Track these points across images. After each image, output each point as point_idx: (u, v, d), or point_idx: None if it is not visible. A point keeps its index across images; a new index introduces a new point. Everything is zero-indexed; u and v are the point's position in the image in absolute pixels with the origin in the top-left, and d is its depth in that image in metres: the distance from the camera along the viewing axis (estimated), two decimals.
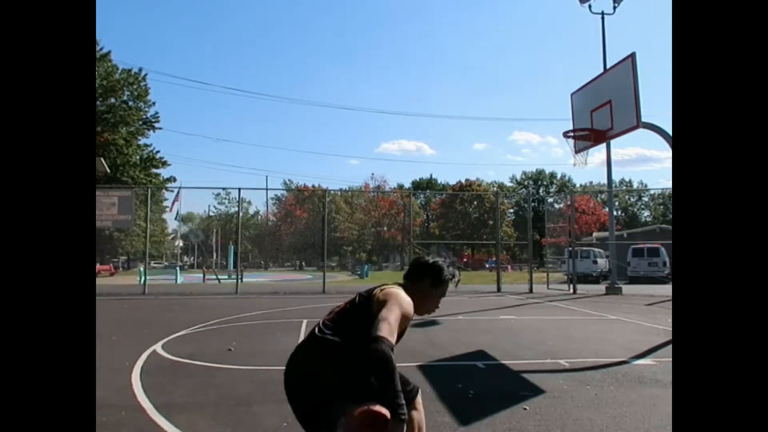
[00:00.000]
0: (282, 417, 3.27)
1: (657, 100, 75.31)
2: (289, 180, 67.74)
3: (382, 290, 2.10)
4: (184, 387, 4.08)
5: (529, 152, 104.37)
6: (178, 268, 25.52)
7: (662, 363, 4.99)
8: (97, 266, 31.58)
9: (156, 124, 32.06)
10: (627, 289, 16.14)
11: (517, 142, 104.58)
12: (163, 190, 33.45)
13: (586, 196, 43.70)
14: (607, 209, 28.16)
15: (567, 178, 68.77)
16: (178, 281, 21.96)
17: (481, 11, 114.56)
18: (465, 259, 54.32)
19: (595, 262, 23.85)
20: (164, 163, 32.28)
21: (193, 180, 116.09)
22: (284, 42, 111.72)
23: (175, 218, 33.97)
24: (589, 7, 18.00)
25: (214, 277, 25.29)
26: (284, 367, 2.10)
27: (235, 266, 22.91)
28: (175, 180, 33.25)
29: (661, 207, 66.91)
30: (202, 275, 26.89)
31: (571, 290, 15.66)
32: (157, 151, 32.28)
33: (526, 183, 67.21)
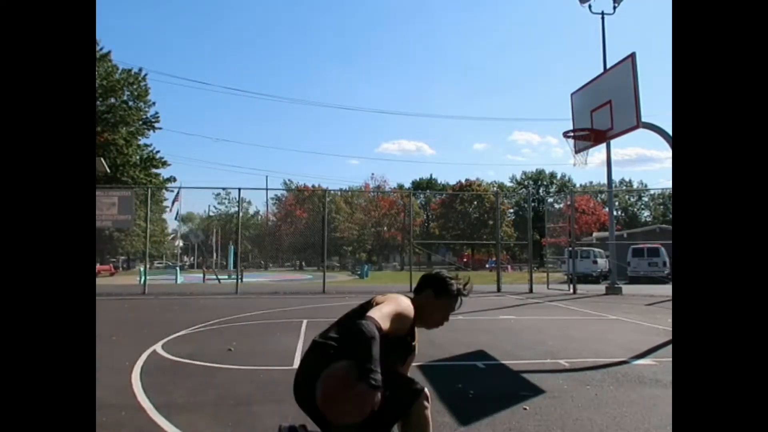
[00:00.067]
0: (282, 417, 3.27)
1: (657, 100, 75.39)
2: (289, 180, 67.85)
3: (383, 295, 2.17)
4: (184, 387, 4.08)
5: (529, 152, 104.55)
6: (178, 268, 25.52)
7: (662, 363, 4.98)
8: (97, 266, 31.58)
9: (156, 124, 32.08)
10: (627, 289, 16.14)
11: (517, 142, 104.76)
12: (163, 190, 33.45)
13: (586, 196, 43.71)
14: (607, 209, 28.15)
15: (567, 178, 68.86)
16: (178, 281, 21.96)
17: (481, 11, 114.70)
18: (465, 259, 54.32)
19: (595, 262, 23.86)
20: (164, 163, 32.29)
21: (193, 180, 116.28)
22: (284, 42, 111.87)
23: (175, 218, 33.95)
24: (589, 7, 18.01)
25: (214, 277, 25.30)
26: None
27: (235, 266, 22.92)
28: (175, 180, 33.28)
29: (661, 207, 66.93)
30: (202, 275, 26.90)
31: (571, 290, 15.66)
32: (157, 151, 32.31)
33: (526, 183, 67.24)
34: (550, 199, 47.47)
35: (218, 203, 60.89)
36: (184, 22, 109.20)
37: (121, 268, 44.56)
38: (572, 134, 9.59)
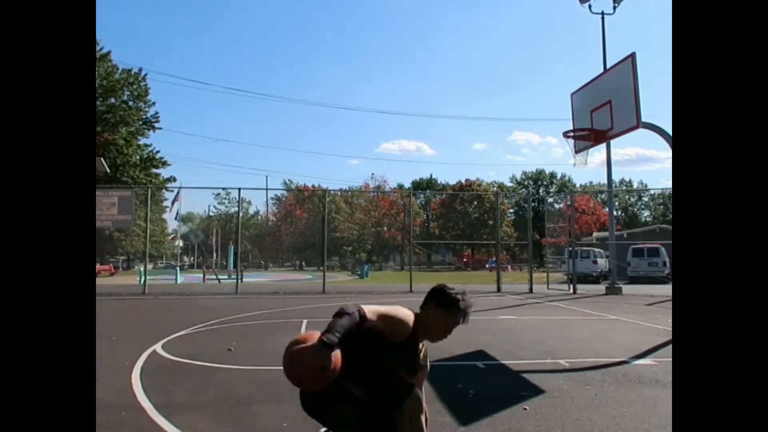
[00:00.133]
0: (282, 417, 3.27)
1: (657, 100, 75.43)
2: (289, 180, 67.82)
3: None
4: (184, 387, 4.08)
5: (529, 152, 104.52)
6: (178, 268, 25.51)
7: (662, 363, 4.99)
8: (97, 266, 31.58)
9: (156, 124, 32.07)
10: (627, 289, 16.14)
11: (517, 142, 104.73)
12: (163, 190, 33.43)
13: (586, 196, 43.70)
14: (607, 209, 28.16)
15: (567, 178, 68.81)
16: (178, 281, 21.96)
17: (481, 11, 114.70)
18: (465, 259, 54.34)
19: (595, 262, 23.86)
20: (164, 163, 32.27)
21: (193, 180, 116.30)
22: (284, 42, 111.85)
23: (175, 218, 33.94)
24: (589, 7, 18.01)
25: (214, 277, 25.29)
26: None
27: (235, 266, 22.92)
28: (175, 180, 33.25)
29: (661, 207, 66.92)
30: (202, 275, 26.90)
31: (571, 290, 15.66)
32: (157, 151, 32.29)
33: (526, 183, 67.21)
34: (550, 199, 47.50)
35: (218, 203, 60.94)
36: (184, 22, 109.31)
37: (121, 268, 44.55)
38: (572, 134, 9.58)
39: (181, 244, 51.55)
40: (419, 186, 67.01)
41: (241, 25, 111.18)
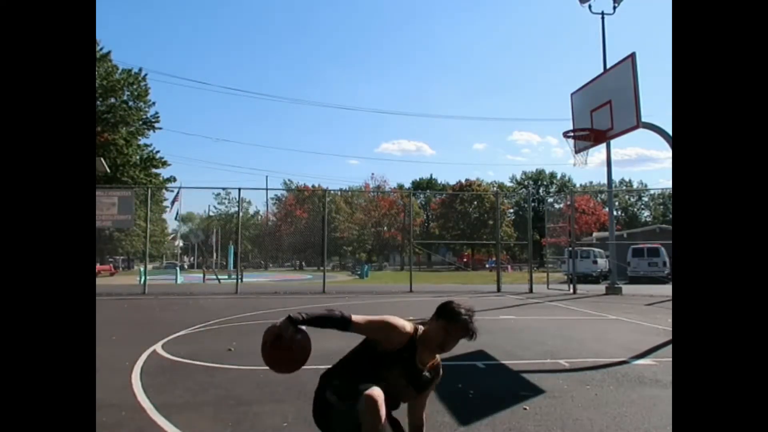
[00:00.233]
0: (282, 417, 3.27)
1: (657, 100, 75.29)
2: (289, 180, 67.86)
3: None
4: (184, 387, 4.08)
5: (529, 152, 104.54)
6: (178, 268, 25.50)
7: (662, 363, 4.98)
8: (97, 266, 31.57)
9: (156, 124, 32.03)
10: (627, 289, 16.13)
11: (517, 142, 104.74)
12: (163, 190, 33.41)
13: (586, 196, 43.71)
14: (607, 209, 28.15)
15: (567, 178, 68.83)
16: (178, 281, 21.96)
17: (481, 11, 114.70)
18: (465, 259, 54.34)
19: (595, 262, 23.86)
20: (164, 163, 32.23)
21: (193, 180, 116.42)
22: (284, 42, 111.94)
23: (175, 218, 33.96)
24: (589, 7, 18.01)
25: (214, 277, 25.29)
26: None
27: (235, 266, 22.91)
28: (175, 180, 33.20)
29: (661, 207, 66.92)
30: (202, 275, 26.89)
31: (571, 290, 15.65)
32: (157, 151, 32.24)
33: (526, 183, 67.21)
34: (550, 199, 47.47)
35: (218, 203, 61.04)
36: (184, 22, 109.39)
37: (120, 268, 44.55)
38: (572, 134, 9.58)
39: (181, 244, 51.58)
40: (419, 186, 67.03)
41: (240, 25, 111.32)
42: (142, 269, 18.13)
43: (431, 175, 71.14)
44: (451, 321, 2.25)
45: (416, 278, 17.01)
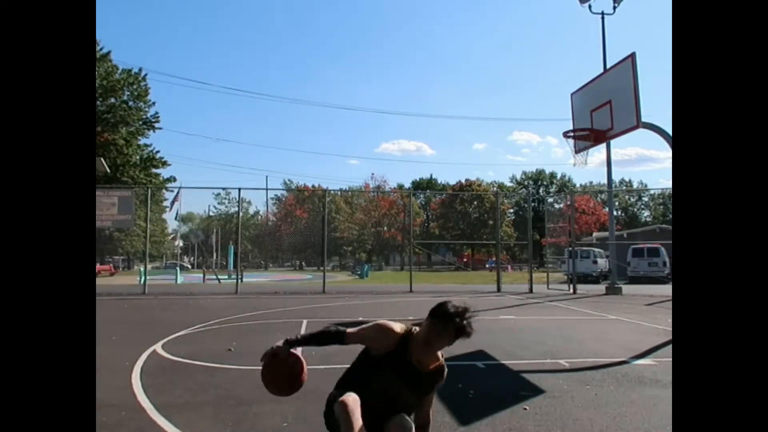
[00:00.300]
0: (282, 417, 3.27)
1: (657, 100, 75.29)
2: (289, 180, 67.85)
3: None
4: (184, 387, 4.08)
5: (529, 152, 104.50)
6: (178, 268, 25.51)
7: (662, 363, 4.99)
8: (97, 266, 31.57)
9: (156, 124, 32.04)
10: (627, 289, 16.14)
11: (517, 142, 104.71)
12: (163, 190, 33.41)
13: (586, 196, 43.71)
14: (607, 209, 28.15)
15: (567, 178, 68.84)
16: (178, 281, 21.96)
17: (481, 11, 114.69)
18: (465, 259, 54.34)
19: (595, 262, 23.86)
20: (164, 163, 32.24)
21: (193, 180, 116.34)
22: (284, 42, 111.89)
23: (175, 218, 33.98)
24: (589, 7, 18.01)
25: (214, 277, 25.29)
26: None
27: (235, 266, 22.91)
28: (175, 180, 33.21)
29: (661, 207, 66.92)
30: (202, 275, 26.89)
31: (571, 290, 15.66)
32: (157, 151, 32.24)
33: (526, 183, 67.21)
34: (550, 199, 47.49)
35: (218, 203, 61.04)
36: (184, 22, 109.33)
37: (120, 268, 44.55)
38: (572, 134, 9.58)
39: (181, 244, 51.58)
40: (419, 186, 67.03)
41: (240, 25, 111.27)
42: (142, 269, 18.14)
43: (431, 175, 71.25)
44: (435, 317, 2.26)
45: (416, 278, 17.01)
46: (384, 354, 2.29)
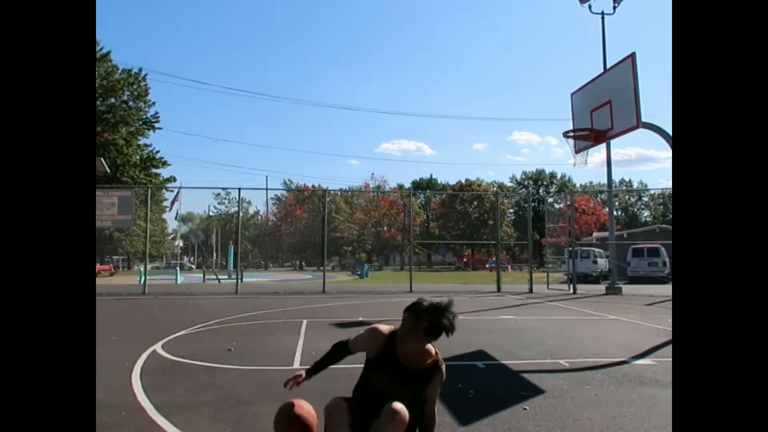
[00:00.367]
0: None
1: (657, 100, 75.27)
2: (289, 180, 67.87)
3: None
4: (184, 387, 4.08)
5: (529, 152, 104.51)
6: (178, 268, 25.50)
7: (662, 363, 4.99)
8: (97, 266, 31.56)
9: (156, 124, 32.03)
10: (627, 289, 16.14)
11: (517, 142, 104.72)
12: (163, 190, 33.40)
13: (586, 196, 43.72)
14: (607, 209, 28.15)
15: (567, 178, 68.83)
16: (178, 281, 21.96)
17: (481, 11, 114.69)
18: (465, 259, 54.33)
19: (595, 262, 23.86)
20: (164, 163, 32.23)
21: (193, 180, 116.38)
22: (284, 42, 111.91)
23: (175, 218, 33.97)
24: (589, 7, 18.01)
25: (214, 277, 25.29)
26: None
27: (235, 266, 22.91)
28: (175, 180, 33.19)
29: (661, 207, 66.92)
30: (202, 275, 26.88)
31: (571, 290, 15.66)
32: (157, 151, 32.23)
33: (526, 183, 67.20)
34: (550, 199, 47.50)
35: (218, 203, 61.07)
36: (184, 22, 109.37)
37: (120, 268, 44.55)
38: (572, 134, 9.58)
39: (181, 244, 51.58)
40: (419, 186, 67.04)
41: (240, 25, 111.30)
42: (142, 269, 18.13)
43: (431, 175, 71.26)
44: (407, 312, 2.34)
45: (416, 278, 17.01)
46: (376, 355, 2.39)
